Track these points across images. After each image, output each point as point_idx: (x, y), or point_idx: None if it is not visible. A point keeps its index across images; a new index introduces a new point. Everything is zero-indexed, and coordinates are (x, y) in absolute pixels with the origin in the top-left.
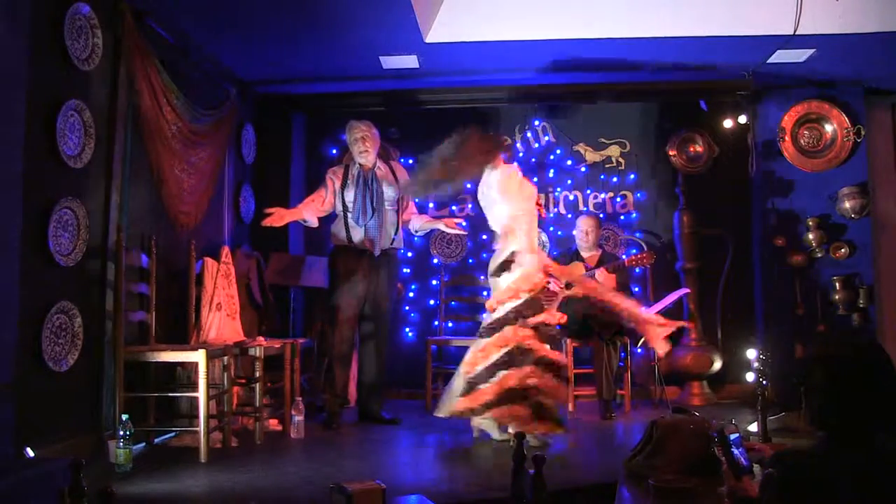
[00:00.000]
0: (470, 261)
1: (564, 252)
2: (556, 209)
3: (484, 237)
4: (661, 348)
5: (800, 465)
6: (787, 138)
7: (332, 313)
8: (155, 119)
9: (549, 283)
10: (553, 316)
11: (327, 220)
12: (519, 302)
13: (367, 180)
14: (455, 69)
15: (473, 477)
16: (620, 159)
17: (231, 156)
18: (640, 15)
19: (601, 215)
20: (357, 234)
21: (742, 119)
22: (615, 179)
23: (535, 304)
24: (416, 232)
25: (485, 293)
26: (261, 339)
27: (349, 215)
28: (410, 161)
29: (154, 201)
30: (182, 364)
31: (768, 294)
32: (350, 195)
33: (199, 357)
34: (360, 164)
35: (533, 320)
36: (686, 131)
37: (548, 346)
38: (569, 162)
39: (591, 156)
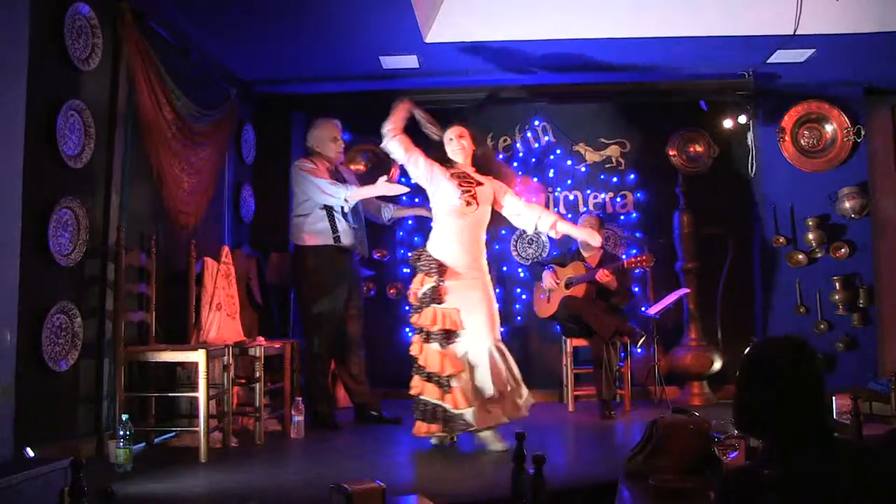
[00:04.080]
0: None
1: (565, 252)
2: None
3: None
4: None
5: (756, 477)
6: (787, 138)
7: (319, 317)
8: (155, 119)
9: None
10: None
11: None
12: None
13: (343, 181)
14: (455, 69)
15: (473, 477)
16: (620, 159)
17: (231, 156)
18: (640, 15)
19: (600, 215)
20: (348, 236)
21: (742, 119)
22: (615, 179)
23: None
24: (389, 221)
25: None
26: (261, 339)
27: (336, 215)
28: None
29: (154, 201)
30: (182, 364)
31: (768, 294)
32: None
33: (199, 357)
34: (331, 163)
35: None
36: (686, 131)
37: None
38: (569, 162)
39: (591, 156)
